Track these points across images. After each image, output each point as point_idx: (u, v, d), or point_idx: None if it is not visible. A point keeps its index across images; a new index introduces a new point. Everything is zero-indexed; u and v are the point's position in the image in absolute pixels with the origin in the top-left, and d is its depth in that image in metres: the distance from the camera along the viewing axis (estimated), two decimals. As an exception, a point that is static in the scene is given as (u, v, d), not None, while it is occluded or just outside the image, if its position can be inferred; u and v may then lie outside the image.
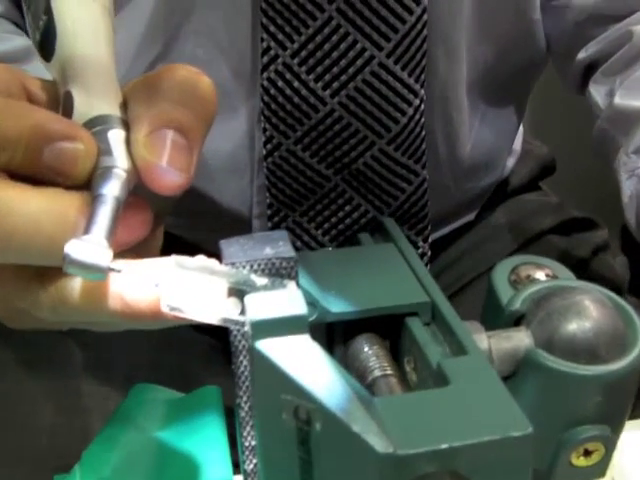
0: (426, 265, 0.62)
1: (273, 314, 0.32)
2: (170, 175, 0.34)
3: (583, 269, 0.73)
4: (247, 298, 0.33)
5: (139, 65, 0.58)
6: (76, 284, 0.35)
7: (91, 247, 0.32)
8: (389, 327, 0.39)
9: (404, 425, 0.32)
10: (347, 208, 0.61)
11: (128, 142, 0.35)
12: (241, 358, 0.35)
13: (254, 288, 0.33)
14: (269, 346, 0.32)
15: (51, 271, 0.36)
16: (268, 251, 0.35)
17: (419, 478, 0.31)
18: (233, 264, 0.35)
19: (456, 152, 0.66)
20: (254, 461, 0.37)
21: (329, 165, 0.60)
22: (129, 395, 0.48)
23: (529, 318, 0.39)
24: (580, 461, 0.39)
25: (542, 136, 0.84)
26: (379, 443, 0.31)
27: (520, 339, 0.39)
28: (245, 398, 0.36)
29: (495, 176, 0.73)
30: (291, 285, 0.34)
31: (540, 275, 0.42)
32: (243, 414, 0.37)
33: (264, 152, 0.59)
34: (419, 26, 0.56)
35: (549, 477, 0.40)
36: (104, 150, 0.35)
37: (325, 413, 0.31)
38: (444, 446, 0.31)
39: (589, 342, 0.38)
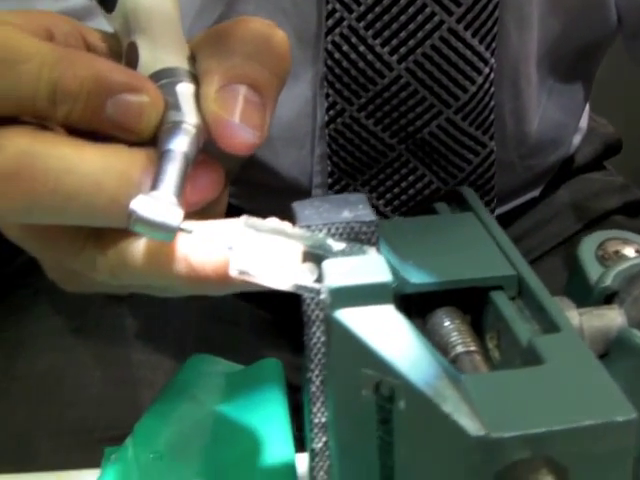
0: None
1: (355, 281, 0.29)
2: (243, 133, 0.32)
3: None
4: (325, 263, 0.30)
5: (201, 24, 0.56)
6: (138, 246, 0.33)
7: (160, 204, 0.30)
8: (470, 301, 0.36)
9: (496, 406, 0.29)
10: (410, 178, 0.58)
11: (197, 97, 0.33)
12: (314, 329, 0.33)
13: (331, 253, 0.31)
14: (349, 316, 0.29)
15: (109, 232, 0.34)
16: (346, 214, 0.32)
17: (513, 465, 0.28)
18: (308, 227, 0.32)
19: (523, 127, 0.63)
20: (323, 439, 0.34)
21: (393, 134, 0.57)
22: (185, 366, 0.45)
23: (622, 296, 0.36)
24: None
25: (608, 115, 0.80)
26: (471, 425, 0.28)
27: (613, 318, 0.35)
28: (317, 372, 0.33)
29: (561, 153, 0.70)
30: (371, 251, 0.31)
31: (629, 251, 0.39)
32: (314, 389, 0.34)
33: (326, 119, 0.56)
34: None
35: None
36: (171, 104, 0.32)
37: (411, 390, 0.28)
38: (541, 430, 0.28)
39: (689, 323, 0.35)
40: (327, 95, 0.56)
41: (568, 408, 0.29)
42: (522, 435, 0.28)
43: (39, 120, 0.33)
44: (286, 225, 0.31)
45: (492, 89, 0.56)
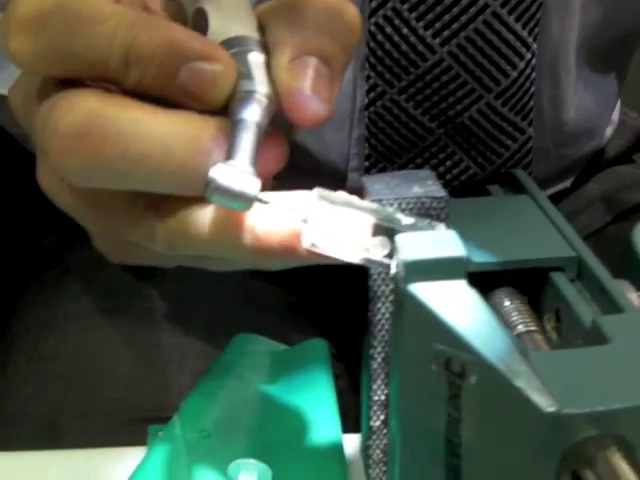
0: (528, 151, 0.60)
1: (429, 255, 0.29)
2: (313, 104, 0.32)
3: None
4: (398, 237, 0.30)
5: None
6: (201, 215, 0.33)
7: (238, 173, 0.30)
8: (528, 282, 0.36)
9: (565, 383, 0.29)
10: (448, 163, 0.58)
11: (268, 67, 0.33)
12: (379, 305, 0.33)
13: (401, 227, 0.31)
14: (423, 290, 0.29)
15: (170, 201, 0.34)
16: (417, 189, 0.32)
17: (581, 442, 0.28)
18: (380, 201, 0.32)
19: (560, 115, 0.63)
20: (382, 417, 0.35)
21: (433, 117, 0.57)
22: (230, 345, 0.45)
23: (681, 280, 0.36)
24: None
25: (638, 109, 0.80)
26: (543, 401, 0.28)
27: (673, 302, 0.35)
28: (379, 349, 0.34)
29: (594, 144, 0.70)
30: (440, 227, 0.31)
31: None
32: (375, 366, 0.34)
33: (366, 101, 0.56)
34: None
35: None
36: (243, 73, 0.32)
37: (483, 365, 0.28)
38: (611, 407, 0.28)
39: None
40: (368, 77, 0.56)
41: (637, 386, 0.29)
42: (593, 412, 0.28)
43: (109, 84, 0.33)
44: (357, 199, 0.31)
45: (533, 75, 0.56)
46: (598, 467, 0.28)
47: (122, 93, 0.33)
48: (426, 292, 0.29)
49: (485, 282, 0.36)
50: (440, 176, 0.58)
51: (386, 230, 0.31)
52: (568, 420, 0.28)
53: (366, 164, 0.58)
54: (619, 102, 0.74)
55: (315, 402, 0.42)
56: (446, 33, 0.54)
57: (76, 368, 0.60)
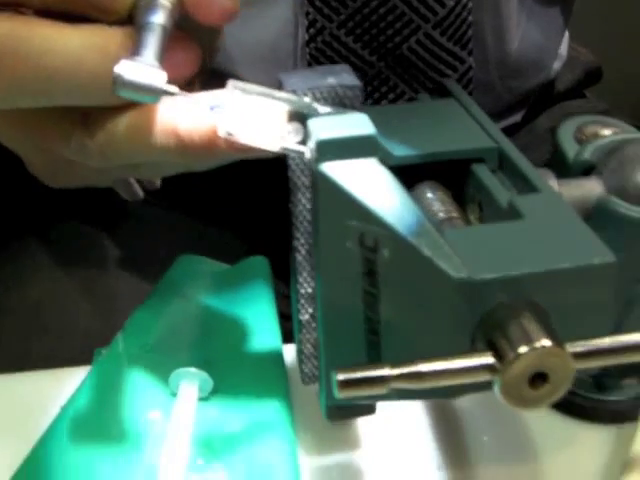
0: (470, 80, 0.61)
1: (340, 134, 0.30)
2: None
3: None
4: (310, 121, 0.31)
5: None
6: (124, 121, 0.34)
7: (143, 67, 0.31)
8: (452, 175, 0.37)
9: (478, 253, 0.30)
10: (390, 96, 0.59)
11: None
12: (299, 196, 0.34)
13: (317, 115, 0.31)
14: (335, 168, 0.30)
15: (96, 112, 0.35)
16: (331, 80, 0.33)
17: (495, 309, 0.29)
18: (294, 92, 0.33)
19: (504, 47, 0.64)
20: (310, 310, 0.36)
21: (373, 51, 0.58)
22: (174, 265, 0.46)
23: (600, 168, 0.37)
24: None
25: (588, 43, 0.81)
26: (453, 268, 0.29)
27: (591, 187, 0.37)
28: (302, 240, 0.34)
29: (541, 78, 0.70)
30: (359, 114, 0.32)
31: (607, 132, 0.40)
32: (300, 258, 0.35)
33: (306, 37, 0.57)
34: None
35: (619, 331, 0.38)
36: None
37: (394, 237, 0.29)
38: (522, 272, 0.29)
39: (666, 190, 0.36)
40: (307, 13, 0.56)
41: (548, 254, 0.30)
42: (503, 277, 0.29)
43: (15, 6, 0.34)
44: (273, 90, 0.32)
45: (470, 4, 0.57)
46: (509, 331, 0.29)
47: (34, 14, 0.34)
48: (337, 170, 0.30)
49: (410, 176, 0.37)
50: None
51: (301, 117, 0.32)
52: (478, 285, 0.29)
53: None
54: (567, 37, 0.75)
55: (255, 315, 0.43)
56: None
57: (38, 319, 0.61)
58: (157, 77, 0.31)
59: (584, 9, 0.76)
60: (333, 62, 0.58)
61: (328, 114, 0.32)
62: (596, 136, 0.40)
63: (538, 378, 0.28)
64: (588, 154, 0.38)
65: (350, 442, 0.40)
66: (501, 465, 0.39)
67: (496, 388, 0.28)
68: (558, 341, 0.28)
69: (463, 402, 0.42)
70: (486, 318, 0.29)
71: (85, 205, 0.64)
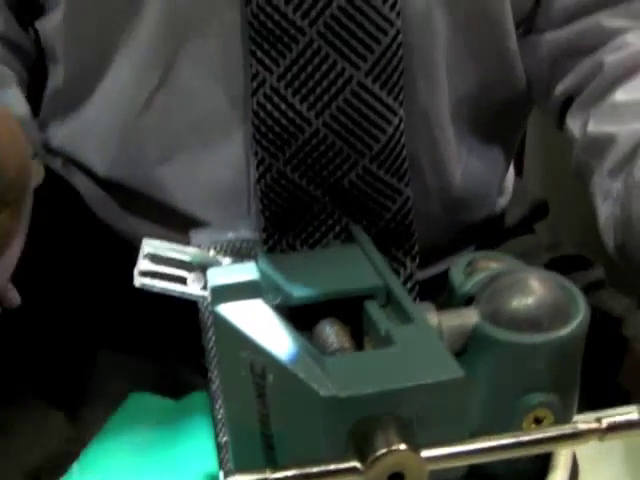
0: (414, 286, 0.66)
1: (229, 280, 0.37)
2: None
3: None
4: (209, 271, 0.38)
5: (140, 95, 0.64)
6: None
7: None
8: (351, 311, 0.44)
9: (348, 375, 0.36)
10: (337, 229, 0.65)
11: None
12: (210, 334, 0.40)
13: (219, 266, 0.39)
14: (227, 309, 0.37)
15: None
16: (230, 235, 0.40)
17: (361, 422, 0.36)
18: (199, 246, 0.40)
19: (445, 180, 0.69)
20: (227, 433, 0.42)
21: (317, 185, 0.64)
22: (125, 403, 0.53)
23: (478, 298, 0.44)
24: (531, 429, 0.43)
25: (535, 177, 0.88)
26: (322, 387, 0.35)
27: (468, 315, 0.43)
28: (215, 372, 0.41)
29: (487, 211, 0.77)
30: (250, 263, 0.39)
31: (493, 265, 0.47)
32: (214, 387, 0.41)
33: (256, 175, 0.64)
34: (394, 46, 0.60)
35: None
36: None
37: (276, 364, 0.36)
38: (381, 389, 0.35)
39: (531, 314, 0.42)
40: (256, 152, 0.63)
41: (407, 373, 0.36)
42: (366, 394, 0.35)
43: None
44: (182, 246, 0.39)
45: (403, 138, 0.64)
46: (372, 438, 0.35)
47: None
48: (229, 310, 0.37)
49: (313, 314, 0.44)
50: (330, 242, 0.65)
51: (203, 268, 0.39)
52: (344, 402, 0.35)
53: (264, 236, 0.65)
54: (512, 172, 0.82)
55: (195, 444, 0.49)
56: (319, 105, 0.62)
57: None
58: None
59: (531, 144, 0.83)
60: (282, 198, 0.64)
61: (227, 265, 0.39)
62: (481, 269, 0.47)
63: (396, 478, 0.34)
64: (469, 286, 0.45)
65: None
66: None
67: (362, 487, 0.34)
68: (413, 446, 0.34)
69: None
70: (354, 430, 0.36)
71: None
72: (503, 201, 0.80)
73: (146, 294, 0.58)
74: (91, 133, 0.68)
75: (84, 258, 0.71)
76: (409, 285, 0.65)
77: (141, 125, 0.64)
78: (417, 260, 0.66)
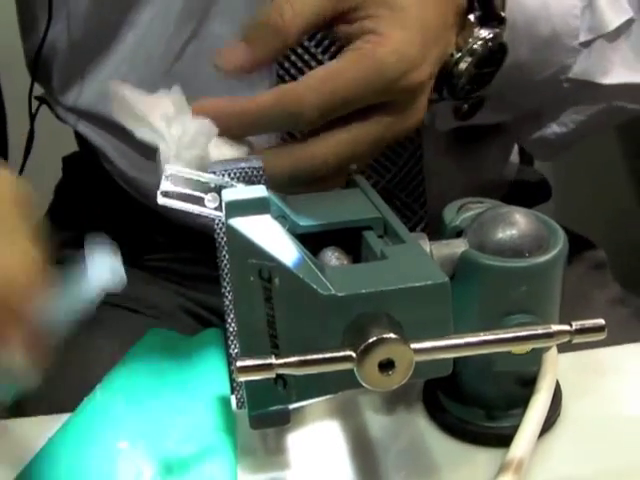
0: (423, 230, 0.73)
1: (242, 197, 0.44)
2: None
3: (575, 285, 0.81)
4: (224, 191, 0.45)
5: (175, 44, 0.70)
6: None
7: None
8: (350, 242, 0.50)
9: (346, 280, 0.43)
10: None
11: None
12: (224, 252, 0.47)
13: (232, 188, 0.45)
14: (239, 222, 0.43)
15: None
16: (243, 164, 0.47)
17: (357, 318, 0.42)
18: (214, 173, 0.46)
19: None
20: (238, 345, 0.48)
21: None
22: (144, 337, 0.59)
23: (466, 231, 0.50)
24: (516, 349, 0.49)
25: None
26: (322, 288, 0.42)
27: (457, 245, 0.49)
28: (228, 288, 0.47)
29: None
30: (260, 187, 0.45)
31: (482, 205, 0.53)
32: (227, 302, 0.48)
33: None
34: None
35: (489, 365, 0.50)
36: None
37: (282, 269, 0.42)
38: (374, 289, 0.42)
39: (514, 243, 0.49)
40: None
41: (397, 279, 0.43)
42: (361, 293, 0.42)
43: None
44: (200, 173, 0.46)
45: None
46: (365, 331, 0.41)
47: None
48: (240, 223, 0.43)
49: (317, 243, 0.50)
50: None
51: (218, 190, 0.45)
52: (342, 299, 0.42)
53: None
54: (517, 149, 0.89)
55: (209, 374, 0.56)
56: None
57: None
58: None
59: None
60: None
61: (239, 188, 0.45)
62: (470, 209, 0.53)
63: (387, 366, 0.40)
64: (459, 221, 0.51)
65: (282, 464, 0.51)
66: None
67: (356, 374, 0.41)
68: (402, 336, 0.40)
69: (377, 433, 0.53)
70: (350, 325, 0.42)
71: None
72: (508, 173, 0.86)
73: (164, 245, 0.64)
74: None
75: (107, 216, 0.78)
76: (418, 229, 0.72)
77: (174, 73, 0.70)
78: (426, 206, 0.73)
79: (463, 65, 0.62)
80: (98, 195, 0.83)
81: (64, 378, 0.64)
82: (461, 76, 0.62)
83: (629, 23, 0.70)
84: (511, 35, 0.64)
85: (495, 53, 0.64)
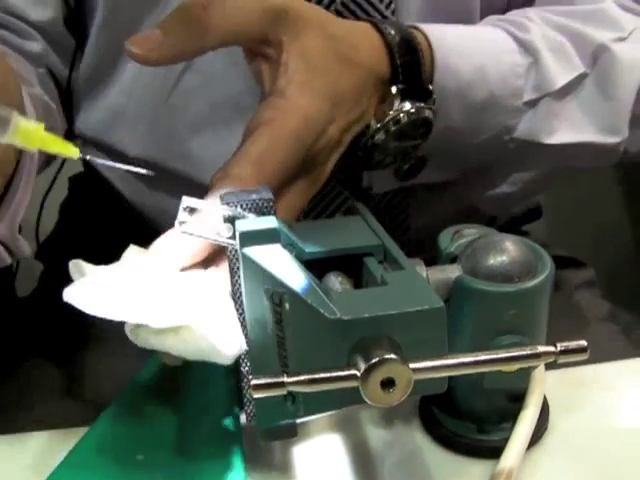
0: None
1: (254, 227, 0.48)
2: None
3: (566, 304, 0.82)
4: (237, 221, 0.49)
5: (171, 75, 0.73)
6: None
7: None
8: (353, 267, 0.54)
9: (350, 304, 0.47)
10: (342, 209, 0.72)
11: None
12: (236, 277, 0.51)
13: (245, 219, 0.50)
14: (252, 251, 0.47)
15: None
16: (254, 196, 0.51)
17: (360, 341, 0.46)
18: (228, 204, 0.51)
19: None
20: (248, 363, 0.52)
21: None
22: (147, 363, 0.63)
23: (460, 257, 0.55)
24: (506, 368, 0.53)
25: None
26: (329, 312, 0.46)
27: (451, 270, 0.54)
28: (240, 310, 0.51)
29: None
30: (270, 217, 0.50)
31: (475, 232, 0.58)
32: (240, 320, 0.52)
33: None
34: None
35: (481, 382, 0.54)
36: None
37: (291, 294, 0.46)
38: (376, 313, 0.46)
39: (505, 269, 0.53)
40: None
41: (398, 303, 0.47)
42: (364, 317, 0.46)
43: None
44: (215, 203, 0.50)
45: None
46: (368, 352, 0.45)
47: None
48: (254, 252, 0.47)
49: (322, 269, 0.54)
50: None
51: (232, 220, 0.50)
52: (346, 323, 0.46)
53: None
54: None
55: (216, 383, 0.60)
56: None
57: None
58: None
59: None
60: None
61: (251, 218, 0.50)
62: (464, 236, 0.57)
63: (388, 384, 0.45)
64: (453, 248, 0.55)
65: (287, 475, 0.56)
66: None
67: (361, 391, 0.45)
68: (401, 356, 0.45)
69: (376, 445, 0.57)
70: (354, 346, 0.46)
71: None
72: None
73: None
74: (121, 115, 0.77)
75: (110, 236, 0.82)
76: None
77: (170, 104, 0.74)
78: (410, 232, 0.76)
79: (380, 137, 0.62)
80: (103, 214, 0.86)
81: (76, 393, 0.68)
82: (375, 148, 0.63)
83: (580, 79, 0.70)
84: (442, 103, 0.64)
85: (418, 127, 0.64)
